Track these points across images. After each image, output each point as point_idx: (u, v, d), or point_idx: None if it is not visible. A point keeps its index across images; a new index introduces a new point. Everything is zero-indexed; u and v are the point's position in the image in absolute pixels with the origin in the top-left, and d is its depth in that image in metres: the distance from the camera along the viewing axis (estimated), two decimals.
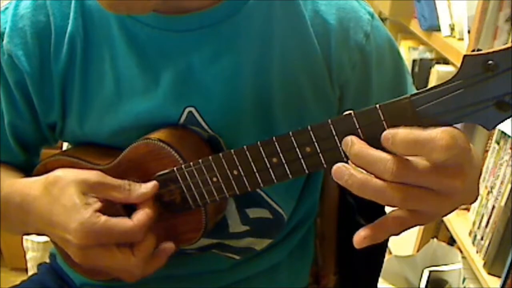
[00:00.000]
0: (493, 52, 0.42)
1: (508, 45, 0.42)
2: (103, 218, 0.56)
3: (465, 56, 0.43)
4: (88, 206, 0.57)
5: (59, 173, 0.60)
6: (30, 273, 0.95)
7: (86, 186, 0.58)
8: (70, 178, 0.58)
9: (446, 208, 0.49)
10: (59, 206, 0.57)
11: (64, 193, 0.58)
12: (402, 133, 0.45)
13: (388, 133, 0.46)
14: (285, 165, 0.53)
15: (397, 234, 0.49)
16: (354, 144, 0.47)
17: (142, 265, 0.59)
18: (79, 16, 0.64)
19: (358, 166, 0.46)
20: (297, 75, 0.65)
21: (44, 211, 0.59)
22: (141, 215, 0.58)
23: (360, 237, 0.49)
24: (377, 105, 0.46)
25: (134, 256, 0.58)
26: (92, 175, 0.59)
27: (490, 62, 0.42)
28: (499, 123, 0.45)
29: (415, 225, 0.49)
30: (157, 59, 0.64)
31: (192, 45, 0.63)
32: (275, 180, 0.55)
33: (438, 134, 0.43)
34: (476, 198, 0.53)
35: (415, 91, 0.73)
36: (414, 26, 1.59)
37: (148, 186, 0.60)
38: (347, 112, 0.48)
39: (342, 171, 0.46)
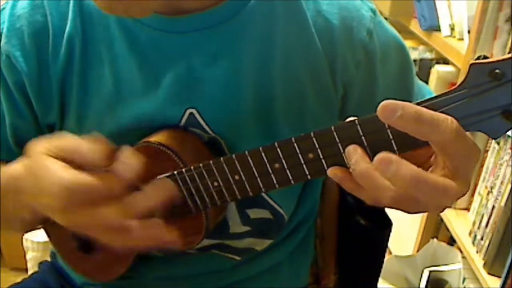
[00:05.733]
0: (500, 60, 0.42)
1: None
2: (82, 174, 0.52)
3: (471, 64, 0.43)
4: (62, 164, 0.52)
5: (31, 146, 0.56)
6: (30, 273, 0.95)
7: (55, 149, 0.54)
8: (40, 147, 0.54)
9: (432, 209, 0.49)
10: (36, 174, 0.54)
11: (39, 160, 0.54)
12: (415, 107, 0.42)
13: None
14: (287, 170, 0.52)
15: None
16: (407, 111, 0.42)
17: (126, 220, 0.53)
18: (77, 16, 0.64)
19: (416, 131, 0.43)
20: (299, 76, 0.65)
21: (27, 184, 0.55)
22: (123, 168, 0.53)
23: (334, 169, 0.48)
24: None
25: (119, 208, 0.53)
26: (60, 141, 0.55)
27: (497, 71, 0.42)
28: (505, 132, 0.44)
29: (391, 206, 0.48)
30: (157, 60, 0.63)
31: (193, 46, 0.63)
32: (277, 186, 0.54)
33: (449, 117, 0.43)
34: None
35: (421, 86, 0.73)
36: (414, 26, 1.58)
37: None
38: (350, 119, 0.48)
39: (351, 153, 0.46)
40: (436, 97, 0.45)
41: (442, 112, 0.44)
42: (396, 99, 0.44)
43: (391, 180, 0.44)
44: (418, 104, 0.45)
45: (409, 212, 0.49)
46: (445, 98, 0.44)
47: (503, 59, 0.42)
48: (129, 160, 0.54)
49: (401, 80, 0.71)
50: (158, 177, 0.61)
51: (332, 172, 0.49)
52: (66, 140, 0.54)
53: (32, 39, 0.64)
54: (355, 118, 0.47)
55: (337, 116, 0.69)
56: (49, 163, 0.53)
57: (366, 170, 0.46)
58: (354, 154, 0.47)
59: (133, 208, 0.53)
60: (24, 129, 0.69)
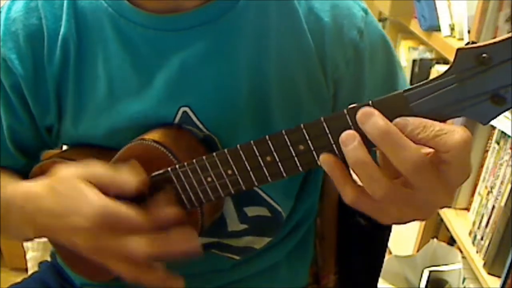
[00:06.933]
0: (487, 45, 0.41)
1: (502, 37, 0.41)
2: (111, 199, 0.54)
3: (458, 49, 0.43)
4: (97, 191, 0.55)
5: (59, 169, 0.58)
6: (30, 273, 0.95)
7: (89, 176, 0.56)
8: (71, 171, 0.57)
9: (408, 217, 0.50)
10: (66, 196, 0.56)
11: (71, 182, 0.56)
12: (417, 119, 0.44)
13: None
14: (279, 163, 0.53)
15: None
16: (380, 120, 0.45)
17: (150, 259, 0.55)
18: (71, 18, 0.64)
19: (381, 145, 0.45)
20: (293, 73, 0.65)
21: (50, 204, 0.57)
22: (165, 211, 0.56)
23: (328, 158, 0.48)
24: (370, 101, 0.46)
25: (147, 243, 0.54)
26: (92, 168, 0.57)
27: (484, 55, 0.41)
28: (495, 117, 0.44)
29: (370, 215, 0.49)
30: (150, 59, 0.63)
31: (186, 44, 0.63)
32: (269, 179, 0.54)
33: (456, 127, 0.43)
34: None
35: (405, 86, 0.73)
36: (414, 26, 1.59)
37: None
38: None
39: (349, 139, 0.46)
40: (424, 83, 0.44)
41: (431, 97, 0.44)
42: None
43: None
44: (405, 91, 0.45)
45: (400, 222, 0.50)
46: (433, 84, 0.44)
47: (490, 44, 0.41)
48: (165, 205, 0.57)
49: (387, 81, 0.71)
50: (152, 174, 0.60)
51: (324, 158, 0.48)
52: (101, 169, 0.57)
53: (27, 42, 0.64)
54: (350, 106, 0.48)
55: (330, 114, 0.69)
56: (83, 186, 0.55)
57: (363, 158, 0.45)
58: (353, 140, 0.46)
59: (159, 248, 0.55)
60: (22, 132, 0.69)
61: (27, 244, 1.61)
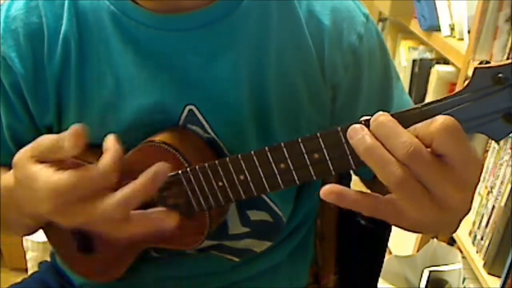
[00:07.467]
0: (503, 65, 0.43)
1: None
2: (66, 173, 0.52)
3: (475, 68, 0.44)
4: (47, 168, 0.53)
5: (16, 156, 0.56)
6: (30, 273, 0.95)
7: (37, 152, 0.54)
8: (23, 155, 0.55)
9: (431, 222, 0.47)
10: (25, 185, 0.54)
11: (24, 169, 0.54)
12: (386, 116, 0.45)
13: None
14: (293, 171, 0.53)
15: (365, 218, 0.49)
16: (381, 114, 0.46)
17: (123, 210, 0.52)
18: (72, 17, 0.64)
19: (376, 136, 0.45)
20: (292, 74, 0.65)
21: (19, 194, 0.56)
22: (106, 159, 0.53)
23: (327, 190, 0.47)
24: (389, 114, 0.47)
25: (111, 198, 0.52)
26: (40, 143, 0.55)
27: (500, 75, 0.43)
28: (507, 135, 0.46)
29: (390, 221, 0.48)
30: (153, 58, 0.63)
31: (189, 44, 0.63)
32: (282, 186, 0.54)
33: (438, 116, 0.44)
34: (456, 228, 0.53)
35: (402, 95, 0.73)
36: (414, 26, 1.59)
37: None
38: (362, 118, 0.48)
39: (358, 130, 0.46)
40: (441, 99, 0.46)
41: (447, 114, 0.45)
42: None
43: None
44: (423, 106, 0.46)
45: (395, 223, 0.49)
46: (450, 100, 0.45)
47: (506, 64, 0.43)
48: (113, 147, 0.54)
49: (383, 87, 0.71)
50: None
51: (325, 192, 0.47)
52: (45, 140, 0.54)
53: (27, 41, 0.64)
54: (364, 116, 0.47)
55: (328, 118, 0.69)
56: (34, 169, 0.53)
57: (371, 143, 0.45)
58: (362, 130, 0.46)
59: (128, 200, 0.52)
60: (22, 131, 0.69)
61: (27, 244, 1.61)
